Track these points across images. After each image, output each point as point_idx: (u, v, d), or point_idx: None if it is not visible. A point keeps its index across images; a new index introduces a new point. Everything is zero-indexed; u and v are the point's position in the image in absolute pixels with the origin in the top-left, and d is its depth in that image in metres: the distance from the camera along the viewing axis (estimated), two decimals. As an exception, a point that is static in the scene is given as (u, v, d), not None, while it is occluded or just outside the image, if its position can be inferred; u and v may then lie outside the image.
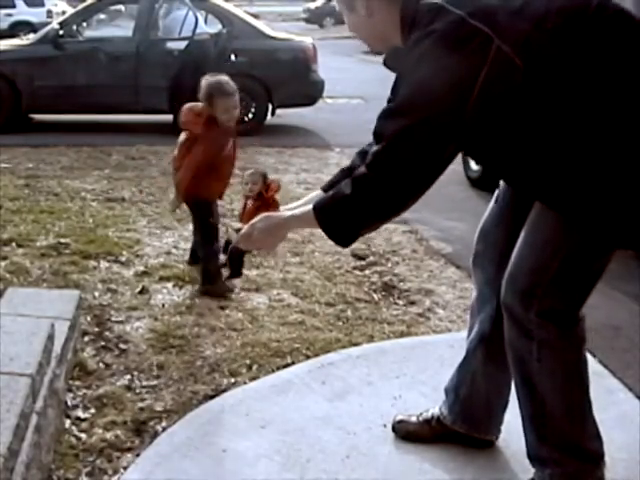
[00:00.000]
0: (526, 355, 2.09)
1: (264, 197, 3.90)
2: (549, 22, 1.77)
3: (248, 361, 3.10)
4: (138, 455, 2.45)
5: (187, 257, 4.24)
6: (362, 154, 2.20)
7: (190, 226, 4.93)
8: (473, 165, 6.30)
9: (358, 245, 4.55)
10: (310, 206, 2.01)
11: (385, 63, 2.09)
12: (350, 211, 1.92)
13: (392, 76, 2.19)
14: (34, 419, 2.17)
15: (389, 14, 1.95)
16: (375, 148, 1.90)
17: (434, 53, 1.78)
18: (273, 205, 3.73)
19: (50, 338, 2.48)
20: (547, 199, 1.96)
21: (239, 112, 3.91)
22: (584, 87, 1.80)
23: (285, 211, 2.18)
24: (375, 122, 1.95)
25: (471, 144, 1.92)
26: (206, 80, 3.80)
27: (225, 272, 3.92)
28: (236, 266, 3.93)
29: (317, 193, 2.21)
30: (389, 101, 2.14)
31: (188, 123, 3.83)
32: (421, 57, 1.81)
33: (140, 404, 2.76)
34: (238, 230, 2.20)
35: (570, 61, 1.78)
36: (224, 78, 3.81)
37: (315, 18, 32.07)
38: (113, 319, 3.47)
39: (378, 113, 1.97)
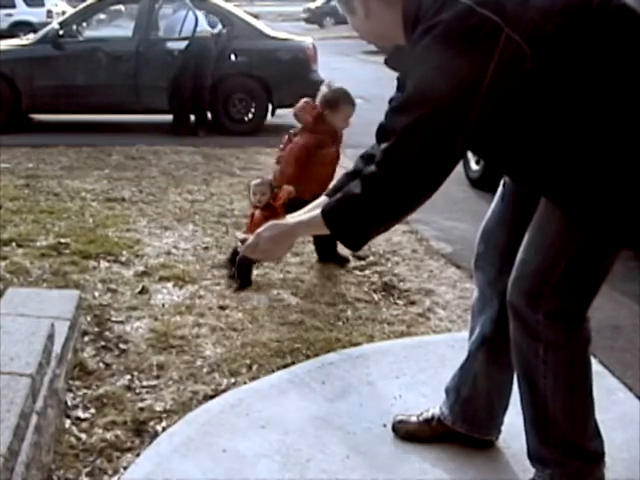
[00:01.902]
0: (532, 357, 2.07)
1: (272, 206, 3.87)
2: (555, 17, 1.75)
3: (248, 361, 3.10)
4: (138, 455, 2.45)
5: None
6: (365, 157, 2.18)
7: (190, 226, 4.95)
8: (473, 165, 6.29)
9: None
10: (318, 211, 1.96)
11: (386, 62, 2.07)
12: (361, 212, 1.87)
13: (392, 76, 2.19)
14: (34, 419, 2.17)
15: (389, 12, 1.92)
16: (385, 145, 1.86)
17: (442, 44, 1.74)
18: (282, 214, 3.66)
19: (50, 338, 2.48)
20: (552, 194, 1.94)
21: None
22: (589, 80, 1.79)
23: (291, 219, 2.12)
24: (382, 120, 1.93)
25: (478, 137, 1.87)
26: (330, 87, 4.25)
27: (235, 283, 3.92)
28: (245, 276, 3.92)
29: (322, 199, 2.15)
30: (391, 100, 2.13)
31: (301, 110, 4.22)
32: (429, 48, 1.76)
33: (140, 404, 2.76)
34: (244, 241, 2.14)
35: (575, 54, 1.77)
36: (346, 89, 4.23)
37: (315, 18, 32.07)
38: (113, 319, 3.47)
39: (385, 111, 1.95)
